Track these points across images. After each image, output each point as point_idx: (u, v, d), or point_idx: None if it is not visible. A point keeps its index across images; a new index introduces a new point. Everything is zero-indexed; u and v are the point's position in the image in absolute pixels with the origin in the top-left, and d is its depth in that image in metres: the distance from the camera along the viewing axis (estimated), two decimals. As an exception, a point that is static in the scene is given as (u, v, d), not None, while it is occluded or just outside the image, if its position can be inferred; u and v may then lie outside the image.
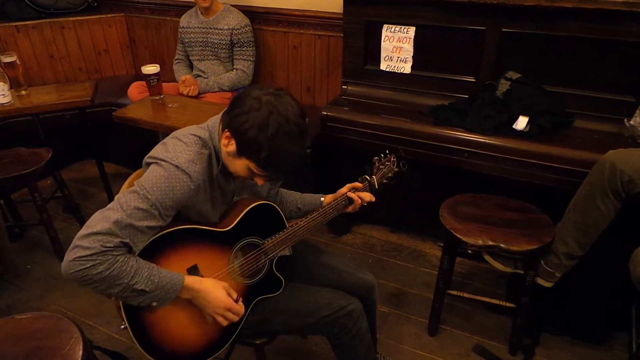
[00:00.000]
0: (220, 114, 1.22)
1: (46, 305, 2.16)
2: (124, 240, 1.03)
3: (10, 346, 1.13)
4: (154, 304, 1.10)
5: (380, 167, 1.55)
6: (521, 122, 1.91)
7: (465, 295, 1.91)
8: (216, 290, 1.18)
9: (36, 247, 2.56)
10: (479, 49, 2.07)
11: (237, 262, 1.30)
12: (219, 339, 1.29)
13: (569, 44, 1.91)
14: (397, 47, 2.23)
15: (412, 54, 2.21)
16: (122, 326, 1.15)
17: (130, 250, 1.06)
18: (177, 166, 1.10)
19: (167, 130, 2.21)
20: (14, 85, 2.48)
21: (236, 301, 1.22)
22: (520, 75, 1.99)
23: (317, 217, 1.39)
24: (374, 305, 1.57)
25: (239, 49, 2.71)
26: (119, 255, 1.03)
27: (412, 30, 2.17)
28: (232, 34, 2.65)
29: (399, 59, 2.24)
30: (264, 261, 1.33)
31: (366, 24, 2.24)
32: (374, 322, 1.63)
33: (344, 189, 1.46)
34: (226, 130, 1.13)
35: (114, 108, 2.68)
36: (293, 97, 1.14)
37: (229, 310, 1.20)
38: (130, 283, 1.04)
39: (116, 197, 1.09)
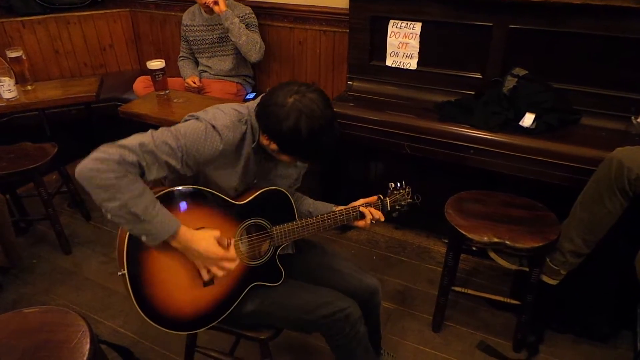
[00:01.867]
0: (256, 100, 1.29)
1: (52, 300, 2.18)
2: (141, 162, 1.09)
3: (18, 339, 1.14)
4: (144, 237, 1.12)
5: (395, 192, 1.57)
6: (528, 119, 1.90)
7: (470, 292, 1.91)
8: (207, 240, 1.19)
9: (42, 242, 2.57)
10: (485, 45, 2.06)
11: (243, 239, 1.31)
12: (213, 310, 1.29)
13: (576, 40, 1.90)
14: (403, 43, 2.22)
15: (418, 49, 2.20)
16: (120, 273, 1.17)
17: (142, 175, 1.11)
18: (213, 126, 1.18)
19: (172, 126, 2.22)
20: (20, 80, 2.49)
21: (228, 244, 1.23)
22: (527, 72, 1.98)
23: (326, 219, 1.41)
24: (377, 307, 1.56)
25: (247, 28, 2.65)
26: (130, 172, 1.07)
27: (418, 26, 2.16)
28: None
29: (405, 54, 2.23)
30: (269, 247, 1.35)
31: (372, 19, 2.23)
32: (378, 322, 1.63)
33: (357, 203, 1.48)
34: (265, 134, 1.22)
35: (119, 103, 2.68)
36: (314, 88, 1.19)
37: (222, 259, 1.21)
38: (129, 202, 1.06)
39: (150, 129, 1.15)
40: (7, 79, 2.33)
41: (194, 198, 1.23)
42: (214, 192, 1.25)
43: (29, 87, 2.52)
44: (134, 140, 1.10)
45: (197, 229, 1.21)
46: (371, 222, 1.47)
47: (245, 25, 2.63)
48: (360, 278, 1.48)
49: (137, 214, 1.08)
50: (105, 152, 1.06)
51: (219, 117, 1.20)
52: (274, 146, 1.22)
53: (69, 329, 1.16)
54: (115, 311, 2.10)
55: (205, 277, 1.23)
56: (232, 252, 1.24)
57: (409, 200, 1.58)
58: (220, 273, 1.23)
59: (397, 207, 1.55)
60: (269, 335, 1.41)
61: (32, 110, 2.66)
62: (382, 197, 1.53)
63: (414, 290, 2.21)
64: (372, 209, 1.47)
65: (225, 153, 1.21)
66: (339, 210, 1.44)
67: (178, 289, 1.23)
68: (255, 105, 1.26)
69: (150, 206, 1.10)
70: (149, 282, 1.18)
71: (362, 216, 1.46)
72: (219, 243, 1.21)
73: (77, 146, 3.29)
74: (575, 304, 1.88)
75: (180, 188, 1.19)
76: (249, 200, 1.29)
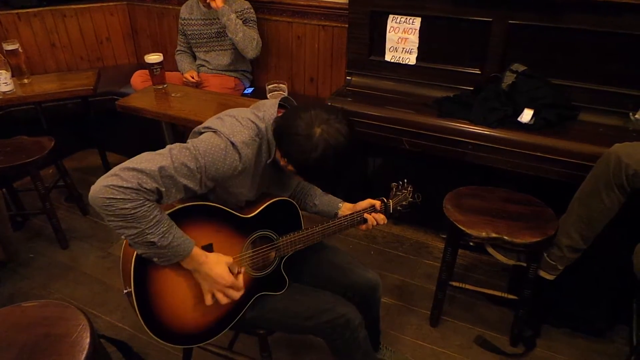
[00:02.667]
0: (272, 104, 1.25)
1: (49, 294, 2.17)
2: (160, 188, 1.05)
3: (18, 333, 1.13)
4: (156, 259, 1.11)
5: (397, 193, 1.58)
6: (526, 115, 1.90)
7: (467, 287, 1.92)
8: (219, 265, 1.18)
9: (39, 236, 2.56)
10: (485, 41, 2.06)
11: (249, 252, 1.31)
12: (217, 324, 1.29)
13: (575, 36, 1.90)
14: (402, 38, 2.21)
15: (417, 45, 2.20)
16: (125, 291, 1.16)
17: (159, 200, 1.08)
18: (233, 143, 1.13)
19: (170, 120, 2.21)
20: (16, 73, 2.48)
21: (238, 272, 1.22)
22: (526, 68, 1.98)
23: (331, 227, 1.41)
24: (377, 302, 1.57)
25: (244, 23, 2.63)
26: (148, 200, 1.04)
27: (417, 21, 2.15)
28: (236, 16, 2.62)
29: (404, 50, 2.23)
30: (274, 257, 1.34)
31: (371, 14, 2.22)
32: (378, 317, 1.64)
33: (364, 203, 1.48)
34: (284, 157, 1.18)
35: (116, 97, 2.67)
36: (341, 117, 1.14)
37: (229, 287, 1.20)
38: (146, 231, 1.05)
39: (168, 146, 1.11)
40: (3, 71, 2.31)
41: (203, 214, 1.20)
42: (222, 207, 1.23)
43: (26, 81, 2.50)
44: (152, 163, 1.04)
45: (206, 245, 1.20)
46: (375, 225, 1.48)
47: (243, 21, 2.62)
48: (360, 273, 1.49)
49: (154, 242, 1.06)
50: (123, 179, 1.01)
51: (237, 132, 1.15)
52: (291, 168, 1.18)
53: (68, 323, 1.16)
54: (113, 306, 2.09)
55: (209, 301, 1.21)
56: (240, 281, 1.23)
57: (410, 199, 1.59)
58: (224, 300, 1.21)
59: (399, 208, 1.57)
60: (268, 331, 1.41)
61: (29, 103, 2.64)
62: (385, 200, 1.53)
63: (412, 286, 2.22)
64: (375, 215, 1.48)
65: (244, 171, 1.18)
66: (343, 217, 1.44)
67: (184, 305, 1.23)
68: (273, 122, 1.21)
69: (167, 232, 1.08)
70: (156, 300, 1.17)
71: (366, 221, 1.47)
72: (230, 270, 1.20)
73: (73, 140, 3.31)
74: (571, 298, 1.89)
75: (188, 204, 1.17)
76: (256, 213, 1.28)
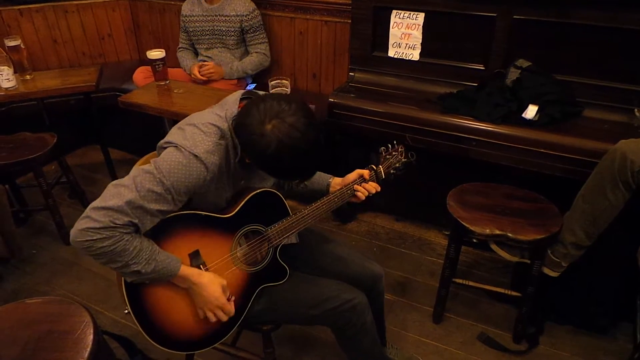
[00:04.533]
0: (234, 99, 1.21)
1: (52, 290, 2.17)
2: (133, 220, 1.05)
3: (21, 330, 1.13)
4: (147, 282, 1.14)
5: (387, 156, 1.53)
6: (530, 111, 1.89)
7: (470, 283, 1.92)
8: (212, 285, 1.19)
9: (42, 232, 2.56)
10: (489, 37, 2.04)
11: (240, 249, 1.30)
12: (218, 330, 1.29)
13: (580, 32, 1.88)
14: (405, 34, 2.20)
15: (420, 40, 2.18)
16: (126, 311, 1.17)
17: (137, 230, 1.08)
18: (195, 155, 1.10)
19: (173, 116, 2.20)
20: (18, 69, 2.47)
21: (229, 299, 1.23)
22: (530, 64, 1.97)
23: (320, 206, 1.37)
24: (381, 295, 1.56)
25: (252, 34, 2.69)
26: (125, 233, 1.05)
27: (421, 16, 2.14)
28: (241, 21, 2.62)
29: (408, 45, 2.22)
30: (267, 249, 1.33)
31: (374, 9, 2.21)
32: (382, 311, 1.63)
33: (352, 175, 1.44)
34: (247, 156, 1.16)
35: (118, 93, 2.66)
36: (294, 109, 1.06)
37: (220, 308, 1.21)
38: (129, 262, 1.07)
39: (132, 173, 1.10)
40: (5, 68, 2.31)
41: (185, 223, 1.19)
42: (203, 212, 1.21)
43: (28, 77, 2.49)
44: (119, 198, 1.03)
45: (192, 252, 1.21)
46: (369, 195, 1.44)
47: (250, 28, 2.64)
48: (363, 265, 1.49)
49: (139, 270, 1.08)
50: (94, 220, 1.02)
51: (198, 142, 1.11)
52: (257, 166, 1.16)
53: (72, 320, 1.16)
54: (116, 302, 2.10)
55: (202, 315, 1.23)
56: (231, 307, 1.24)
57: (403, 160, 1.53)
58: (213, 319, 1.22)
59: (392, 172, 1.51)
60: (271, 327, 1.41)
61: (31, 99, 2.63)
62: (374, 167, 1.48)
63: (415, 282, 2.21)
64: (366, 185, 1.42)
65: (213, 179, 1.16)
66: (332, 194, 1.40)
67: (185, 314, 1.23)
68: (232, 119, 1.17)
69: (150, 259, 1.09)
70: (155, 314, 1.19)
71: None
72: (223, 292, 1.22)
73: (76, 137, 3.31)
74: (575, 295, 1.88)
75: (169, 217, 1.14)
76: (238, 210, 1.25)
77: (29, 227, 2.61)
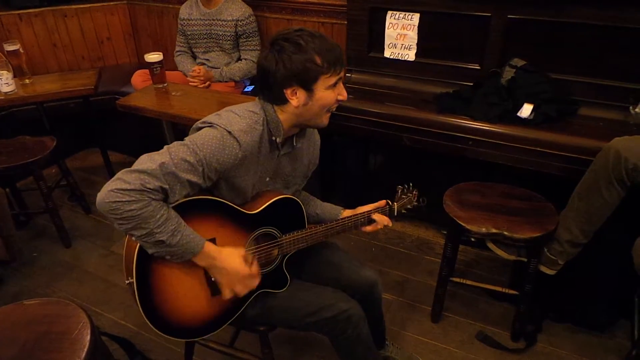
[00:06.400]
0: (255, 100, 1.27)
1: (52, 293, 2.19)
2: (164, 186, 1.05)
3: (19, 331, 1.14)
4: (168, 257, 1.12)
5: (403, 196, 1.58)
6: (526, 110, 1.90)
7: (468, 282, 1.92)
8: (233, 258, 1.19)
9: (42, 235, 2.58)
10: (484, 36, 2.05)
11: (252, 248, 1.31)
12: (217, 319, 1.30)
13: (575, 30, 1.89)
14: (401, 34, 2.21)
15: (416, 41, 2.19)
16: (128, 281, 1.17)
17: (165, 199, 1.08)
18: (229, 132, 1.14)
19: (171, 119, 2.22)
20: (18, 73, 2.49)
21: (251, 264, 1.22)
22: (525, 63, 1.98)
23: (335, 227, 1.42)
24: (377, 300, 1.56)
25: (245, 40, 2.70)
26: (153, 199, 1.04)
27: (416, 17, 2.15)
28: (236, 25, 2.63)
29: (403, 46, 2.23)
30: (276, 255, 1.35)
31: (370, 10, 2.22)
32: (381, 315, 1.64)
33: (366, 207, 1.49)
34: (283, 90, 1.17)
35: (117, 96, 2.68)
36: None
37: (248, 276, 1.21)
38: (155, 231, 1.05)
39: (166, 146, 1.11)
40: (4, 72, 2.32)
41: (206, 208, 1.21)
42: (227, 202, 1.23)
43: (27, 81, 2.51)
44: (151, 162, 1.05)
45: (209, 239, 1.20)
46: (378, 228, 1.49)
47: (243, 33, 2.66)
48: (358, 271, 1.48)
49: (163, 240, 1.07)
50: (126, 182, 1.02)
51: (234, 122, 1.16)
52: (301, 94, 1.17)
53: (69, 321, 1.17)
54: (116, 304, 2.11)
55: (228, 295, 1.21)
56: (255, 268, 1.23)
57: (415, 203, 1.60)
58: (244, 291, 1.22)
59: (403, 212, 1.58)
60: (267, 328, 1.42)
61: (31, 103, 2.65)
62: (390, 203, 1.53)
63: (413, 282, 2.22)
64: (381, 216, 1.48)
65: (245, 159, 1.18)
66: (347, 217, 1.44)
67: (186, 298, 1.23)
68: (280, 61, 1.17)
69: (176, 230, 1.08)
70: (157, 292, 1.18)
71: (370, 222, 1.48)
72: (244, 260, 1.21)
73: (75, 140, 3.33)
74: (573, 293, 1.89)
75: (193, 199, 1.16)
76: (261, 210, 1.28)
77: (29, 230, 2.63)
